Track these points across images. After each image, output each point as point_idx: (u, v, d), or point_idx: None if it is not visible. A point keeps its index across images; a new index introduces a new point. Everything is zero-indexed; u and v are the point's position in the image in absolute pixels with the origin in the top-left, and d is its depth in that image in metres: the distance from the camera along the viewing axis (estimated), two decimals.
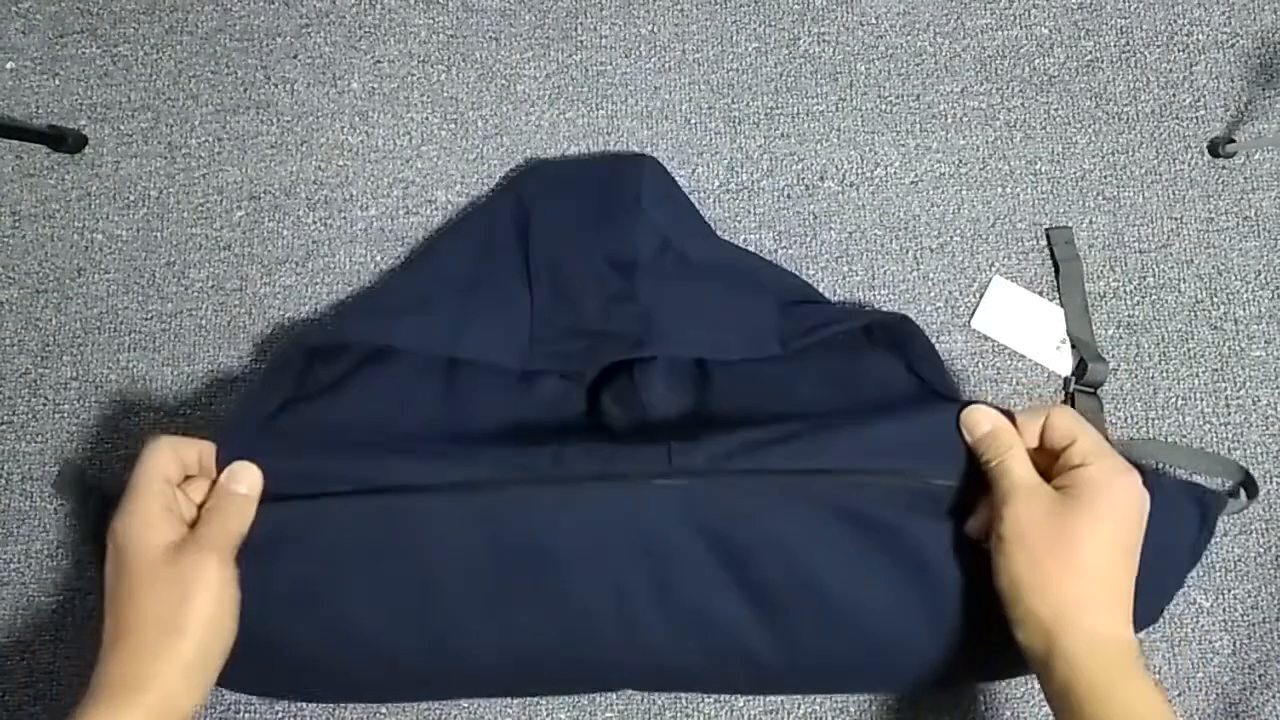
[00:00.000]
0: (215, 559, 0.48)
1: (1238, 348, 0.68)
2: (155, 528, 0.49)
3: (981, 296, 0.69)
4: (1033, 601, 0.48)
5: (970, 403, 0.54)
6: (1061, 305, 0.68)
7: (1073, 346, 0.67)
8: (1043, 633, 0.47)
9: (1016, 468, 0.51)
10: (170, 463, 0.51)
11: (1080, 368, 0.67)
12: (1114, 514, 0.49)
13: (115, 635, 0.47)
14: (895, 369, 0.61)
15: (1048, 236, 0.69)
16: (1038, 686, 0.61)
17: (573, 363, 0.61)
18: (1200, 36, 0.73)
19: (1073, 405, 0.66)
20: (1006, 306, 0.68)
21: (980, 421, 0.53)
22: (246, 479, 0.52)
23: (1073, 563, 0.48)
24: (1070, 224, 0.70)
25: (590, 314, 0.62)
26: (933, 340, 0.67)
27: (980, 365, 0.68)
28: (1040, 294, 0.69)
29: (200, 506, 0.52)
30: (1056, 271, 0.69)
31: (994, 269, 0.69)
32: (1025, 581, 0.48)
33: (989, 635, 0.52)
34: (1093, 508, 0.49)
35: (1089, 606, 0.47)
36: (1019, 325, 0.68)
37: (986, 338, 0.68)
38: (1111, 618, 0.48)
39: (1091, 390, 0.66)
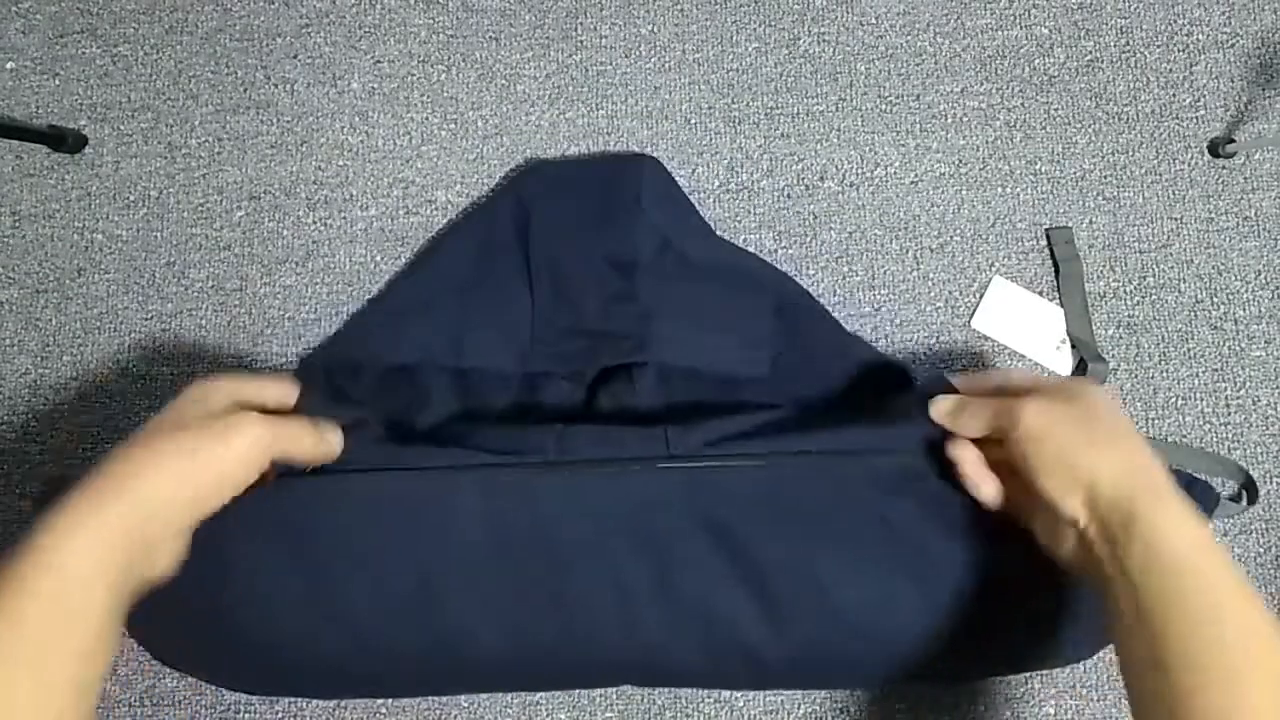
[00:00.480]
0: (263, 428, 0.48)
1: (1238, 348, 0.68)
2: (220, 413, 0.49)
3: (981, 296, 0.69)
4: (1089, 458, 0.47)
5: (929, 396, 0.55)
6: (1061, 305, 0.68)
7: (1073, 346, 0.67)
8: (1114, 485, 0.46)
9: (1000, 399, 0.52)
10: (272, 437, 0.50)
11: (1080, 367, 0.67)
12: (1096, 391, 0.51)
13: (125, 442, 0.46)
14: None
15: (1048, 237, 0.69)
16: (1038, 686, 0.62)
17: (573, 363, 0.62)
18: (1200, 36, 0.73)
19: None
20: (1007, 306, 0.68)
21: (943, 400, 0.54)
22: (333, 437, 0.52)
23: (1100, 427, 0.48)
24: (1070, 224, 0.70)
25: (590, 314, 0.62)
26: (932, 340, 0.68)
27: (980, 365, 0.68)
28: (1040, 294, 0.69)
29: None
30: (1056, 271, 0.69)
31: (994, 269, 0.69)
32: (1072, 446, 0.48)
33: (984, 624, 0.52)
34: (1082, 390, 0.51)
35: (1138, 452, 0.48)
36: (1019, 325, 0.68)
37: (986, 337, 0.68)
38: (1160, 464, 0.48)
39: None
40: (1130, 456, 0.48)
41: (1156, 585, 0.44)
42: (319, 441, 0.52)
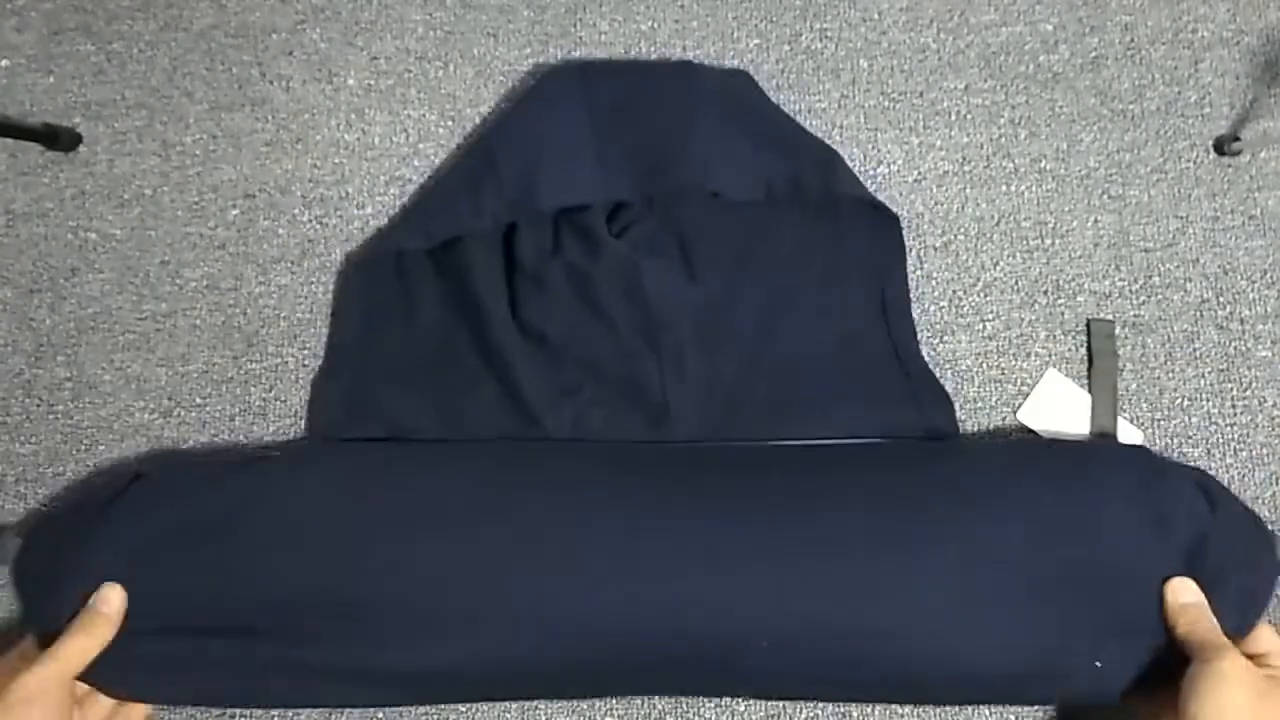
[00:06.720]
0: (41, 671, 0.51)
1: (1244, 348, 0.67)
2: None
3: (1031, 389, 0.66)
4: None
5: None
6: (1091, 394, 0.66)
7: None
8: None
9: (1216, 637, 0.53)
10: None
11: None
12: None
13: None
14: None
15: (1088, 327, 0.67)
16: None
17: (639, 187, 0.64)
18: (1205, 34, 0.73)
19: None
20: (1056, 401, 0.66)
21: (1186, 590, 0.55)
22: (107, 598, 0.54)
23: None
24: (1111, 317, 0.67)
25: (649, 139, 0.64)
26: (936, 340, 0.67)
27: (984, 365, 0.67)
28: (1040, 301, 0.68)
29: None
30: (1090, 362, 0.66)
31: (998, 267, 0.69)
32: None
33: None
34: None
35: None
36: (1065, 421, 0.65)
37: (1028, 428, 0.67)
38: None
39: None
40: None
41: None
42: (102, 634, 0.53)
